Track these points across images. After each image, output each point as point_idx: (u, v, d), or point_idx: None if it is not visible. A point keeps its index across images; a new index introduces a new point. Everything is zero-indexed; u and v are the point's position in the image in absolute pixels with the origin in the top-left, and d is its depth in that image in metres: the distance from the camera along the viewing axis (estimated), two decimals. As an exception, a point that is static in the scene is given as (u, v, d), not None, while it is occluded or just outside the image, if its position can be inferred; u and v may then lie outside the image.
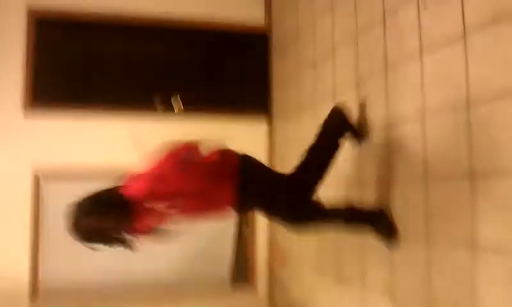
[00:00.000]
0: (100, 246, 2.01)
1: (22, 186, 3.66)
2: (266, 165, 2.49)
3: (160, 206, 2.05)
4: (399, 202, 2.37)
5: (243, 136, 3.98)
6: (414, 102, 2.25)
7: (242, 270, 4.15)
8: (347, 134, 2.55)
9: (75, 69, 3.92)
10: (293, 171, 2.36)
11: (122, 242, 2.05)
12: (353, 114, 2.60)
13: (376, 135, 2.58)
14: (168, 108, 3.96)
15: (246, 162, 2.29)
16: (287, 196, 2.31)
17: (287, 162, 3.69)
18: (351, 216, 2.48)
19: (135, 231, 2.05)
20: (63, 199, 3.45)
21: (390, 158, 2.46)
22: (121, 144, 3.77)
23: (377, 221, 2.45)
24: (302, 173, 2.36)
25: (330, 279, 3.07)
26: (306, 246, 3.43)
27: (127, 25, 4.00)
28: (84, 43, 3.96)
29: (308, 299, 3.42)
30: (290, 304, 3.72)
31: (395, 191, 2.41)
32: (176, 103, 3.95)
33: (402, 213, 2.34)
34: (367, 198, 2.61)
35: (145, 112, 3.91)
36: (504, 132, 1.75)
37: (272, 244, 4.10)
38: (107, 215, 2.01)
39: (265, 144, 4.19)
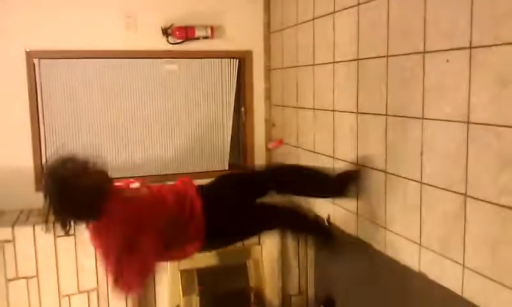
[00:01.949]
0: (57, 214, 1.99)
1: (16, 66, 3.54)
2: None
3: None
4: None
5: (239, 11, 4.00)
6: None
7: (240, 155, 4.22)
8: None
9: None
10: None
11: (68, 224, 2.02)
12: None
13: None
14: None
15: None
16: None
17: (284, 41, 3.77)
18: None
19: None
20: (58, 77, 3.62)
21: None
22: (112, 20, 3.70)
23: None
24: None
25: (326, 160, 3.15)
26: (303, 128, 3.50)
27: None
28: None
29: None
30: None
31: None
32: None
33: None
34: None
35: None
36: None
37: (269, 127, 4.15)
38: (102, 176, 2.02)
39: (261, 19, 4.09)
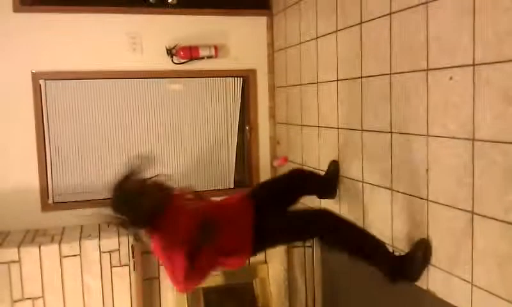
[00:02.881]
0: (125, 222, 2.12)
1: (22, 88, 3.59)
2: None
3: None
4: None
5: (243, 30, 4.03)
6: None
7: (246, 173, 4.23)
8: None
9: None
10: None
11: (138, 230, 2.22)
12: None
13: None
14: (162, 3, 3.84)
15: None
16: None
17: (288, 59, 3.79)
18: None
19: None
20: (64, 98, 3.67)
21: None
22: (117, 42, 3.74)
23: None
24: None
25: None
26: (308, 146, 3.49)
27: None
28: None
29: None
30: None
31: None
32: None
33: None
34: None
35: (140, 6, 3.80)
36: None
37: (274, 151, 4.18)
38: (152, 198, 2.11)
39: (265, 38, 4.12)
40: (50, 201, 3.69)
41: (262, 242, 2.38)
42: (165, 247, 2.13)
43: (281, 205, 2.59)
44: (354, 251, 2.37)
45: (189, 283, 2.17)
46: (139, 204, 2.07)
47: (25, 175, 3.61)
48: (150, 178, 2.16)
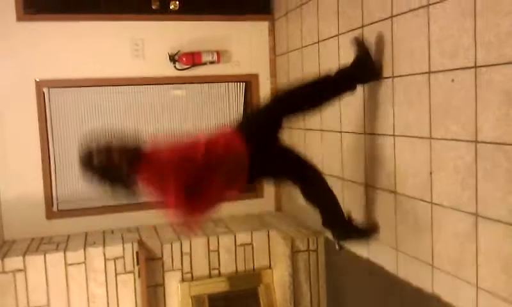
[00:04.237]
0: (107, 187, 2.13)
1: (26, 96, 3.61)
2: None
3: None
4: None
5: (244, 35, 4.03)
6: None
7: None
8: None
9: None
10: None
11: (128, 186, 2.14)
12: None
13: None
14: (165, 6, 3.85)
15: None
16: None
17: (290, 63, 3.79)
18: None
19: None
20: (67, 111, 3.68)
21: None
22: (119, 48, 3.76)
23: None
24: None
25: (337, 185, 3.11)
26: (311, 148, 3.47)
27: None
28: None
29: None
30: (297, 208, 3.80)
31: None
32: (173, 4, 3.86)
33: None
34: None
35: (142, 13, 3.81)
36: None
37: None
38: (124, 155, 2.12)
39: (267, 43, 4.13)
40: (54, 209, 3.70)
41: (256, 174, 2.42)
42: (156, 182, 2.14)
43: (272, 132, 2.52)
44: (323, 208, 2.60)
45: (188, 210, 2.16)
46: (115, 175, 2.11)
47: (29, 183, 3.63)
48: (112, 146, 2.15)
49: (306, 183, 2.53)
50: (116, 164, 2.11)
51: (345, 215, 2.65)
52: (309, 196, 2.56)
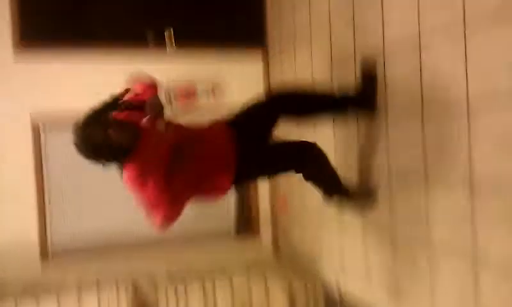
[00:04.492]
0: (102, 162, 2.05)
1: (21, 135, 3.59)
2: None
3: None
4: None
5: (239, 71, 4.01)
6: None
7: (246, 221, 4.18)
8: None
9: (64, 5, 3.74)
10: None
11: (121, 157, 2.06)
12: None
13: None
14: (161, 44, 3.87)
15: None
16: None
17: None
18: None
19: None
20: (63, 147, 3.48)
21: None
22: (115, 84, 3.68)
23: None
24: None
25: (333, 226, 3.09)
26: (308, 192, 3.39)
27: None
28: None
29: (311, 246, 3.47)
30: (295, 251, 3.78)
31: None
32: (169, 39, 3.86)
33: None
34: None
35: (138, 50, 3.82)
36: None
37: (273, 191, 4.13)
38: (119, 127, 2.05)
39: (261, 79, 4.14)
40: (49, 252, 3.65)
41: (245, 173, 2.32)
42: (138, 175, 2.04)
43: (263, 131, 2.48)
44: (323, 183, 2.52)
45: (166, 209, 2.08)
46: (108, 153, 2.03)
47: (23, 225, 3.58)
48: (111, 120, 2.09)
49: (306, 167, 2.44)
50: (114, 141, 2.02)
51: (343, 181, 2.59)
52: (310, 176, 2.47)
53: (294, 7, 3.58)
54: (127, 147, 2.04)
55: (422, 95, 2.19)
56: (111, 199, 3.79)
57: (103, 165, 2.06)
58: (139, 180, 2.04)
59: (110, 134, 2.00)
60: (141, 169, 2.04)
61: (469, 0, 1.88)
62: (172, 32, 3.90)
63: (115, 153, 2.04)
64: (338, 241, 3.06)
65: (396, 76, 2.37)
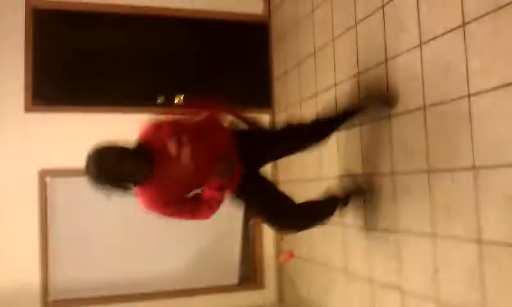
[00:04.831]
0: (116, 192, 2.09)
1: (28, 188, 3.64)
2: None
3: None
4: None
5: None
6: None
7: (250, 269, 4.16)
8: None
9: (75, 66, 3.90)
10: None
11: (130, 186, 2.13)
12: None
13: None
14: (170, 103, 3.98)
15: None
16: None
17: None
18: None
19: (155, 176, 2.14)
20: (69, 200, 3.70)
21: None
22: (124, 140, 3.74)
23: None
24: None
25: (339, 274, 3.10)
26: (313, 241, 3.45)
27: (125, 16, 3.99)
28: (84, 37, 3.94)
29: (317, 295, 3.44)
30: (300, 299, 3.74)
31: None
32: (178, 99, 3.98)
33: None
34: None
35: (147, 108, 3.81)
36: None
37: (278, 240, 4.13)
38: (133, 159, 2.16)
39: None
40: (50, 299, 3.63)
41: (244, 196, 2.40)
42: (159, 199, 2.15)
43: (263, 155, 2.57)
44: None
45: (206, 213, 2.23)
46: (125, 183, 2.10)
47: (25, 272, 3.58)
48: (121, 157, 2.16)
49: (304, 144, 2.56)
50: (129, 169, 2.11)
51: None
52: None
53: (298, 65, 3.73)
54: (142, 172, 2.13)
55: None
56: (114, 248, 3.79)
57: (122, 190, 2.12)
58: (159, 202, 2.15)
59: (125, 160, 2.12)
60: (165, 197, 2.16)
61: None
62: (182, 98, 4.03)
63: (133, 178, 2.11)
64: (347, 294, 3.04)
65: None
